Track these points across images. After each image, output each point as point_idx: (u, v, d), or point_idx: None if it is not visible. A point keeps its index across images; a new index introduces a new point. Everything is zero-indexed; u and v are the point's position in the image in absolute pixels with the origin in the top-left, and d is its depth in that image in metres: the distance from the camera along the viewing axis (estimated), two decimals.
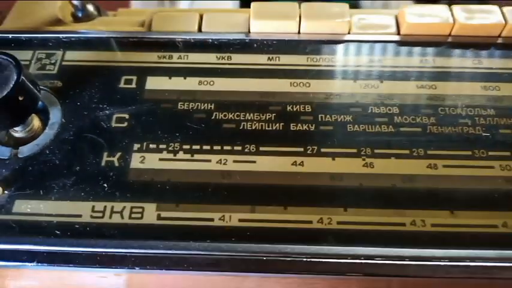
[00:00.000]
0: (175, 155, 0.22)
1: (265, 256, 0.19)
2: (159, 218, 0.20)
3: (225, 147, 0.22)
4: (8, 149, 0.22)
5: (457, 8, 0.25)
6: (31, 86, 0.20)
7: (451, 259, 0.19)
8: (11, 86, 0.19)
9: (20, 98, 0.20)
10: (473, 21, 0.25)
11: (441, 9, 0.25)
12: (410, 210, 0.20)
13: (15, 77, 0.19)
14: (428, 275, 0.19)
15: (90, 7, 0.28)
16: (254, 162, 0.22)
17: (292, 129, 0.23)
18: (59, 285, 0.23)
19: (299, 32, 0.26)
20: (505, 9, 0.25)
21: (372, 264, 0.19)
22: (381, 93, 0.24)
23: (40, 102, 0.23)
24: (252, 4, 0.26)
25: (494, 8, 0.25)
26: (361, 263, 0.19)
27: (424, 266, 0.19)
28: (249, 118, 0.23)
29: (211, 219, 0.20)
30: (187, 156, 0.22)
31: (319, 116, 0.23)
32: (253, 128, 0.23)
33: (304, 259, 0.19)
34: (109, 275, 0.21)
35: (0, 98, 0.19)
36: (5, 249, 0.20)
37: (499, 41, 0.25)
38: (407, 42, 0.25)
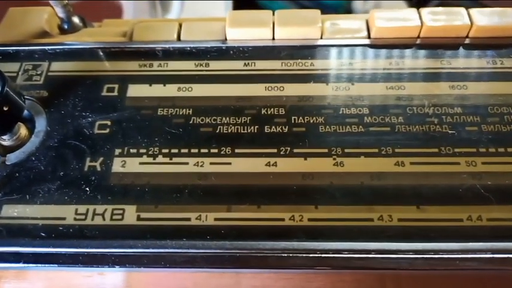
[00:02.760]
0: (154, 159, 0.23)
1: (238, 252, 0.20)
2: (138, 219, 0.21)
3: (202, 150, 0.23)
4: None
5: (424, 11, 0.26)
6: (15, 97, 0.22)
7: (415, 252, 0.20)
8: None
9: (5, 108, 0.21)
10: (440, 23, 0.26)
11: (409, 13, 0.26)
12: (378, 206, 0.21)
13: None
14: (392, 267, 0.20)
15: (76, 19, 0.29)
16: (230, 164, 0.23)
17: (266, 131, 0.24)
18: (48, 285, 0.24)
19: (273, 38, 0.27)
20: (472, 11, 0.26)
21: (339, 258, 0.20)
22: (352, 95, 0.25)
23: (26, 112, 0.24)
24: (228, 13, 0.27)
25: (461, 10, 0.26)
26: (329, 257, 0.20)
27: (389, 259, 0.20)
28: (225, 122, 0.24)
29: (188, 219, 0.21)
30: (166, 159, 0.23)
31: (292, 118, 0.24)
32: (229, 131, 0.24)
33: (275, 254, 0.20)
34: (93, 274, 0.22)
35: None
36: None
37: (467, 41, 0.26)
38: (377, 45, 0.26)
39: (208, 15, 0.26)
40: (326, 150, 0.23)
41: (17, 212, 0.22)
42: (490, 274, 0.22)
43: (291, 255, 0.20)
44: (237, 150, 0.23)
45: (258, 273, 0.22)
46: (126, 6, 0.58)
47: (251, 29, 0.26)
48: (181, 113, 0.24)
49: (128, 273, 0.23)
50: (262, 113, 0.24)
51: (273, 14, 0.27)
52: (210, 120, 0.24)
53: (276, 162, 0.23)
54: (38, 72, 0.26)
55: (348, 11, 0.92)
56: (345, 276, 0.22)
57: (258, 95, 0.25)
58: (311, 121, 0.24)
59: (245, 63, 0.26)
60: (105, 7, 0.57)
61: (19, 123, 0.24)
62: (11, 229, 0.21)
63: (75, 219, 0.21)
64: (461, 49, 0.26)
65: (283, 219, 0.21)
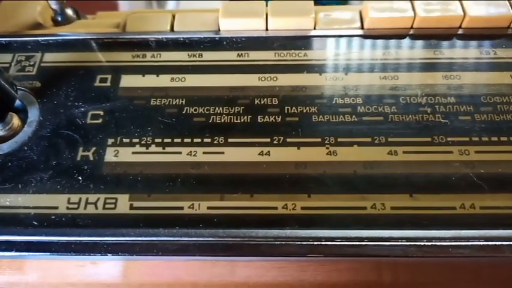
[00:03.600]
0: (147, 148, 0.23)
1: (230, 241, 0.20)
2: (131, 207, 0.21)
3: (195, 140, 0.23)
4: None
5: (418, 2, 0.26)
6: (7, 86, 0.21)
7: (408, 239, 0.20)
8: None
9: None
10: (433, 14, 0.26)
11: (403, 4, 0.26)
12: (371, 195, 0.21)
13: None
14: (385, 255, 0.20)
15: (69, 11, 0.29)
16: (223, 153, 0.23)
17: (259, 121, 0.24)
18: (42, 277, 0.24)
19: (267, 29, 0.27)
20: (465, 2, 0.26)
21: (331, 246, 0.20)
22: (346, 85, 0.25)
23: (19, 102, 0.24)
24: (222, 4, 0.27)
25: (455, 1, 0.26)
26: (322, 244, 0.20)
27: (382, 246, 0.20)
28: (218, 112, 0.24)
29: (181, 208, 0.21)
30: (159, 149, 0.23)
31: (286, 108, 0.24)
32: (222, 121, 0.24)
33: (268, 242, 0.20)
34: (86, 264, 0.22)
35: None
36: None
37: (460, 32, 0.26)
38: (371, 35, 0.26)
39: None
40: (319, 140, 0.23)
41: (9, 201, 0.21)
42: (483, 262, 0.22)
43: (283, 243, 0.20)
44: (230, 140, 0.23)
45: (252, 261, 0.22)
46: (122, 6, 0.58)
47: (244, 20, 0.26)
48: (174, 103, 0.24)
49: (120, 262, 0.22)
50: (256, 103, 0.24)
51: (266, 4, 0.27)
52: (203, 110, 0.24)
53: (269, 152, 0.23)
54: (31, 63, 0.26)
55: None
56: (339, 265, 0.22)
57: (251, 85, 0.25)
58: (304, 111, 0.24)
59: (238, 54, 0.26)
60: (101, 6, 0.57)
61: (12, 113, 0.24)
62: (3, 218, 0.21)
63: (67, 208, 0.21)
64: (454, 39, 0.26)
65: (276, 208, 0.21)
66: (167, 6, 0.65)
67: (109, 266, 0.22)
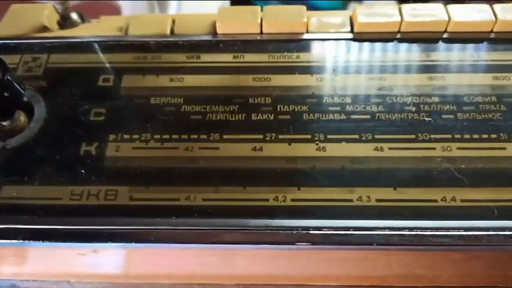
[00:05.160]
0: (146, 144, 0.24)
1: (224, 229, 0.21)
2: (131, 199, 0.23)
3: (192, 136, 0.24)
4: None
5: (405, 7, 0.28)
6: (15, 84, 0.23)
7: (390, 229, 0.21)
8: None
9: (6, 94, 0.22)
10: (419, 19, 0.27)
11: (390, 9, 0.28)
12: (357, 188, 0.22)
13: (0, 76, 0.22)
14: (369, 243, 0.21)
15: (74, 15, 0.31)
16: (218, 148, 0.24)
17: (253, 119, 0.25)
18: (45, 267, 0.25)
19: (261, 33, 0.28)
20: (449, 7, 0.27)
21: (318, 235, 0.21)
22: (335, 86, 0.26)
23: (26, 100, 0.26)
24: (218, 8, 0.28)
25: (440, 6, 0.28)
26: (310, 233, 0.21)
27: (366, 235, 0.21)
28: (214, 110, 0.25)
29: (178, 199, 0.22)
30: (158, 144, 0.24)
31: (278, 106, 0.25)
32: (218, 118, 0.25)
33: (259, 231, 0.21)
34: (87, 252, 0.23)
35: None
36: None
37: (445, 36, 0.28)
38: (360, 39, 0.28)
39: None
40: (309, 136, 0.24)
41: (16, 192, 0.23)
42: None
43: (274, 232, 0.21)
44: (225, 136, 0.24)
45: (244, 250, 0.23)
46: (125, 8, 0.60)
47: (240, 24, 0.28)
48: (172, 102, 0.26)
49: (120, 252, 0.24)
50: (250, 102, 0.25)
51: (262, 9, 0.28)
52: (200, 108, 0.25)
53: (261, 147, 0.24)
54: (38, 64, 0.27)
55: None
56: (328, 254, 0.23)
57: (245, 86, 0.26)
58: (296, 109, 0.25)
59: (234, 56, 0.27)
60: (104, 9, 0.59)
61: (19, 111, 0.25)
62: (11, 208, 0.22)
63: (70, 199, 0.23)
64: (439, 43, 0.27)
65: (267, 200, 0.22)
66: (169, 7, 0.66)
67: (109, 255, 0.24)
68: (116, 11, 0.56)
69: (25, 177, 0.23)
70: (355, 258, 0.23)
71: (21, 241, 0.22)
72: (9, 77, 0.23)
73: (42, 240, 0.22)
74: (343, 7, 0.92)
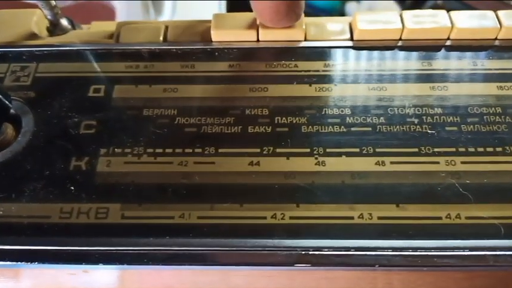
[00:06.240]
0: (139, 158, 0.23)
1: (220, 250, 0.21)
2: (122, 217, 0.22)
3: (186, 150, 0.23)
4: None
5: (406, 14, 0.27)
6: (1, 97, 0.22)
7: (394, 249, 0.20)
8: None
9: None
10: (421, 26, 0.26)
11: (391, 16, 0.27)
12: (358, 205, 0.22)
13: None
14: (371, 264, 0.20)
15: (64, 21, 0.29)
16: (213, 163, 0.23)
17: (249, 131, 0.24)
18: (36, 285, 0.24)
19: (258, 40, 0.27)
20: (452, 13, 0.27)
21: (318, 256, 0.20)
22: (335, 96, 0.25)
23: (13, 112, 0.25)
24: (213, 15, 0.27)
25: (443, 12, 0.27)
26: (309, 254, 0.20)
27: (368, 256, 0.20)
28: (210, 122, 0.24)
29: (172, 217, 0.22)
30: (151, 159, 0.23)
31: (276, 118, 0.24)
32: (213, 131, 0.24)
33: (256, 252, 0.21)
34: (78, 272, 0.22)
35: None
36: None
37: (447, 43, 0.27)
38: (360, 47, 0.27)
39: (201, 17, 0.26)
40: (308, 150, 0.23)
41: (3, 210, 0.22)
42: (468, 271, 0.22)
43: (272, 252, 0.20)
44: (220, 150, 0.23)
45: (241, 270, 0.22)
46: (119, 9, 0.59)
47: (236, 31, 0.27)
48: (166, 114, 0.25)
49: (112, 271, 0.23)
50: (246, 113, 0.25)
51: None
52: (195, 120, 0.24)
53: (258, 162, 0.23)
54: (26, 74, 0.26)
55: (342, 13, 0.93)
56: (329, 274, 0.22)
57: (242, 96, 0.25)
58: (294, 121, 0.24)
59: (230, 65, 0.26)
60: (98, 9, 0.58)
61: (6, 123, 0.24)
62: None
63: (60, 217, 0.22)
64: (442, 51, 0.27)
65: (265, 218, 0.21)
66: (163, 8, 0.65)
67: (100, 275, 0.23)
68: (111, 12, 0.55)
69: (12, 194, 0.22)
70: (356, 277, 0.22)
71: (8, 263, 0.21)
72: None
73: (31, 262, 0.21)
74: (341, 7, 0.92)
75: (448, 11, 0.27)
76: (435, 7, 0.84)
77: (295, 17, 0.25)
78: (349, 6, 0.94)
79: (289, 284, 0.23)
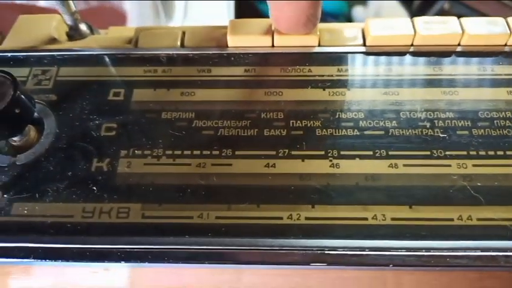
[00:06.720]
0: (158, 160, 0.24)
1: (237, 249, 0.21)
2: (143, 217, 0.22)
3: (204, 152, 0.24)
4: (7, 157, 0.24)
5: (418, 20, 0.27)
6: (26, 100, 0.23)
7: (407, 249, 0.21)
8: (8, 100, 0.21)
9: (17, 111, 0.22)
10: (433, 32, 0.27)
11: (403, 22, 0.27)
12: (372, 206, 0.22)
13: (11, 92, 0.22)
14: (385, 264, 0.21)
15: (83, 26, 0.30)
16: (230, 165, 0.24)
17: (265, 134, 0.25)
18: (55, 284, 0.25)
19: (273, 46, 0.28)
20: (463, 20, 0.27)
21: (334, 255, 0.21)
22: (348, 100, 0.26)
23: (36, 115, 0.25)
24: (229, 21, 0.28)
25: (454, 19, 0.27)
26: (324, 253, 0.21)
27: (382, 256, 0.21)
28: (226, 125, 0.25)
29: (191, 217, 0.22)
30: (170, 160, 0.24)
31: (291, 122, 0.25)
32: (230, 134, 0.25)
33: (273, 251, 0.21)
34: (99, 270, 0.23)
35: None
36: (4, 247, 0.22)
37: (458, 49, 0.27)
38: (372, 52, 0.27)
39: (211, 21, 0.27)
40: (323, 153, 0.24)
41: (27, 210, 0.23)
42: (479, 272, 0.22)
43: (288, 252, 0.21)
44: (237, 152, 0.24)
45: (257, 269, 0.23)
46: (130, 13, 0.60)
47: (252, 37, 0.27)
48: (184, 117, 0.25)
49: (131, 270, 0.23)
50: (262, 117, 0.25)
51: None
52: (212, 123, 0.25)
53: (274, 164, 0.24)
54: (47, 77, 0.27)
55: (348, 18, 0.94)
56: (343, 273, 0.23)
57: (257, 100, 0.26)
58: (308, 125, 0.25)
59: (245, 69, 0.27)
60: (110, 13, 0.59)
61: (29, 125, 0.25)
62: (21, 226, 0.22)
63: (82, 217, 0.22)
64: (453, 56, 0.27)
65: (281, 218, 0.22)
66: (174, 12, 0.66)
67: (120, 273, 0.23)
68: (122, 16, 0.56)
69: (36, 194, 0.23)
70: (369, 277, 0.23)
71: (32, 260, 0.22)
72: (20, 93, 0.22)
73: (54, 260, 0.22)
74: (348, 10, 0.92)
75: (454, 14, 0.28)
76: (442, 10, 0.84)
77: (313, 26, 0.26)
78: (356, 10, 0.95)
79: (305, 283, 0.23)
